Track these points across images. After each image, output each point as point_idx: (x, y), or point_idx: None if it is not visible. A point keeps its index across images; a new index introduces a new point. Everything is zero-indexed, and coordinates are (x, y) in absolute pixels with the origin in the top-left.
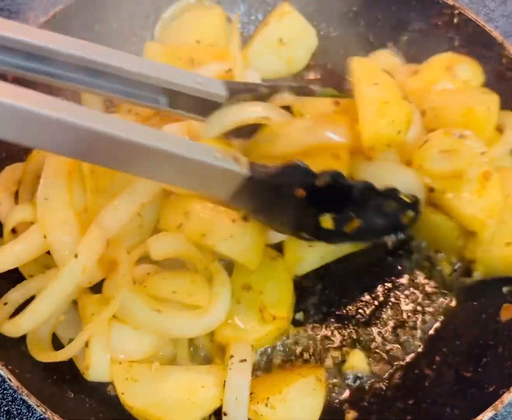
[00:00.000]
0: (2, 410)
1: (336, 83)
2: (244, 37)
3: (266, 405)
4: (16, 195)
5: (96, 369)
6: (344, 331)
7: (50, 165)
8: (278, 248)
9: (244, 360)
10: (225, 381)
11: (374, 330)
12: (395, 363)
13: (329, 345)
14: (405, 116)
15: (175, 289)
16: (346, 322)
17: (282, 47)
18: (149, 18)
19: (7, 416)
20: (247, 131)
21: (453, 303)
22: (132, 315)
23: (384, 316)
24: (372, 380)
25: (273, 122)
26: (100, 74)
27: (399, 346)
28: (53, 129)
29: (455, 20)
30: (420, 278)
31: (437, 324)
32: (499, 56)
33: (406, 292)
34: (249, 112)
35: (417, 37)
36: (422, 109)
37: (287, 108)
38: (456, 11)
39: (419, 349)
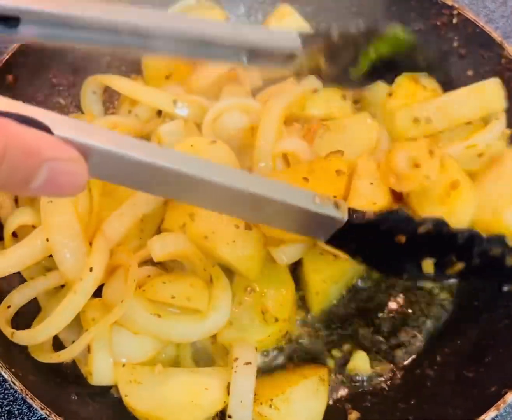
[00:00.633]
0: (3, 410)
1: None
2: None
3: (270, 406)
4: (17, 197)
5: (99, 374)
6: (346, 332)
7: None
8: None
9: (249, 363)
10: (229, 383)
11: (376, 330)
12: (397, 363)
13: (331, 346)
14: None
15: (173, 293)
16: (348, 323)
17: None
18: None
19: (8, 416)
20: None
21: (454, 303)
22: (132, 320)
23: (385, 316)
24: (374, 381)
25: None
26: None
27: (400, 346)
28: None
29: (454, 21)
30: None
31: (438, 324)
32: (498, 56)
33: (407, 292)
34: None
35: (417, 38)
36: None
37: None
38: (455, 12)
39: (420, 349)
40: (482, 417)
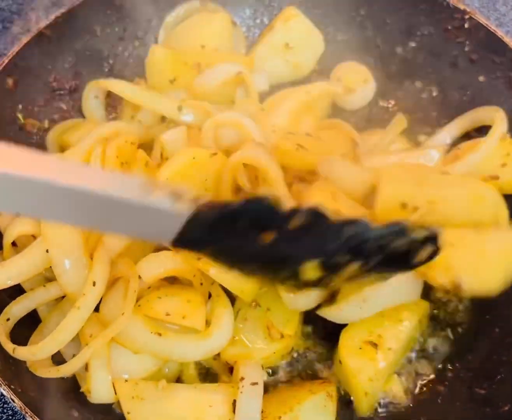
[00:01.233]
0: None
1: None
2: (249, 41)
3: None
4: None
5: (98, 392)
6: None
7: None
8: None
9: (256, 383)
10: (234, 400)
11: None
12: (408, 380)
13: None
14: None
15: (168, 310)
16: None
17: (288, 51)
18: (152, 21)
19: None
20: None
21: (465, 316)
22: (132, 339)
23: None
24: (385, 398)
25: None
26: None
27: (411, 363)
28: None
29: (466, 25)
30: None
31: (449, 339)
32: (510, 61)
33: None
34: None
35: (427, 42)
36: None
37: None
38: (467, 16)
39: (431, 365)
40: None
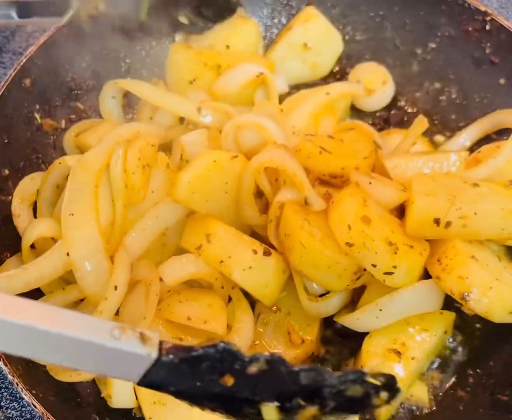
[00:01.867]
0: None
1: None
2: (267, 41)
3: None
4: (34, 206)
5: (119, 397)
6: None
7: (76, 177)
8: None
9: None
10: None
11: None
12: (430, 385)
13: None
14: None
15: (190, 315)
16: None
17: (306, 51)
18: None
19: None
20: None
21: (486, 322)
22: None
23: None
24: (407, 403)
25: None
26: None
27: (433, 369)
28: None
29: (487, 27)
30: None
31: (470, 344)
32: None
33: None
34: None
35: (447, 43)
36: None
37: None
38: (489, 18)
39: (452, 371)
40: None
